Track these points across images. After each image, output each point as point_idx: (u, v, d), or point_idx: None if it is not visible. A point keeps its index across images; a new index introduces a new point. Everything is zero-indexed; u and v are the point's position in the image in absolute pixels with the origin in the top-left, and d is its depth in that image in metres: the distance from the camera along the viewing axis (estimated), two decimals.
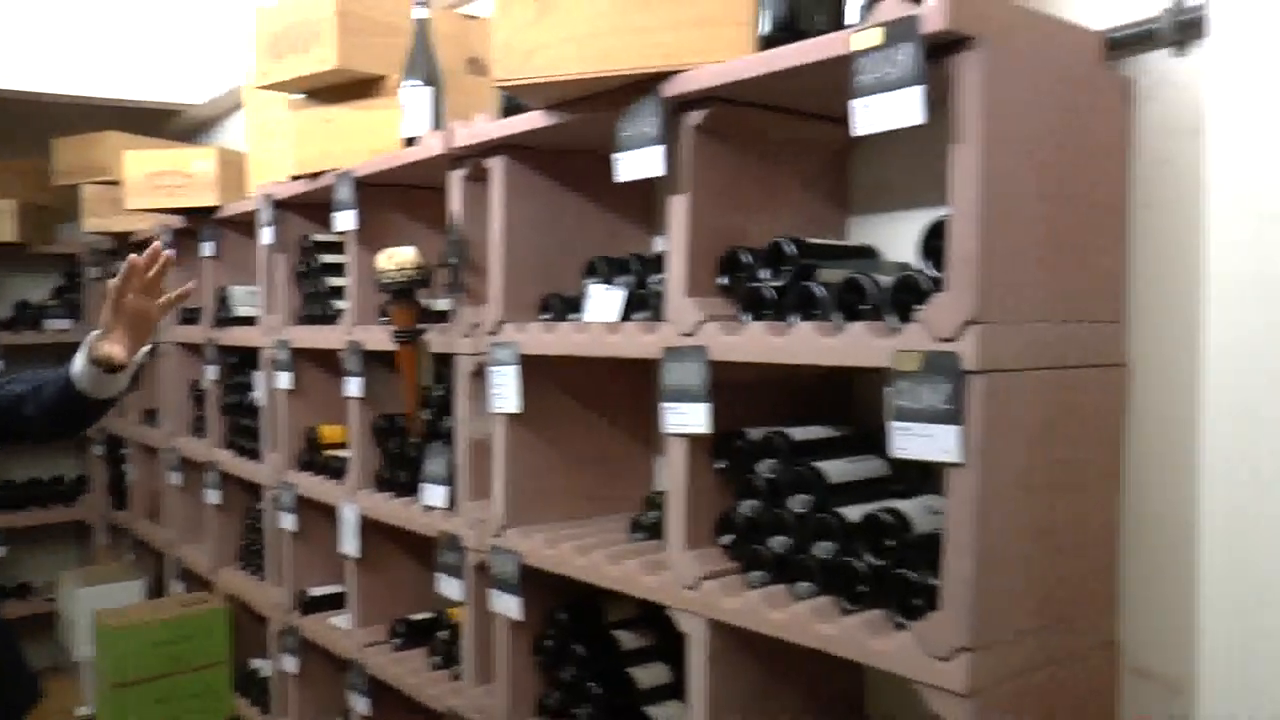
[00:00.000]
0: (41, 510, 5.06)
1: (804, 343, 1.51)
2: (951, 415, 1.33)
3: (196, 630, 3.50)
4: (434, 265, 2.20)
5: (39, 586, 5.11)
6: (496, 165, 2.09)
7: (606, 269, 2.01)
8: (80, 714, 4.23)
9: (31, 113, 4.83)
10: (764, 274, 1.67)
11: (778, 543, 1.65)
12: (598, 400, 2.21)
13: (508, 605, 2.09)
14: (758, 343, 1.58)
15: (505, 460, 2.10)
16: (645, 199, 2.28)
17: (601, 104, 1.76)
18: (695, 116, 1.67)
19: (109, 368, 1.94)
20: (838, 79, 1.40)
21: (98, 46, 4.37)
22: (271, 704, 3.23)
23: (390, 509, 2.50)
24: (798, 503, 1.63)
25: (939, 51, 1.33)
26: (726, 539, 1.72)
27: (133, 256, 1.94)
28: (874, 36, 1.34)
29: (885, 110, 1.34)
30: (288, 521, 3.00)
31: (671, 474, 1.74)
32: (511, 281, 2.10)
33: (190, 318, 3.85)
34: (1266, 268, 1.29)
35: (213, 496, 3.60)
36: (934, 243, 1.41)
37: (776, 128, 1.78)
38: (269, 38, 2.61)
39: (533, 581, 2.07)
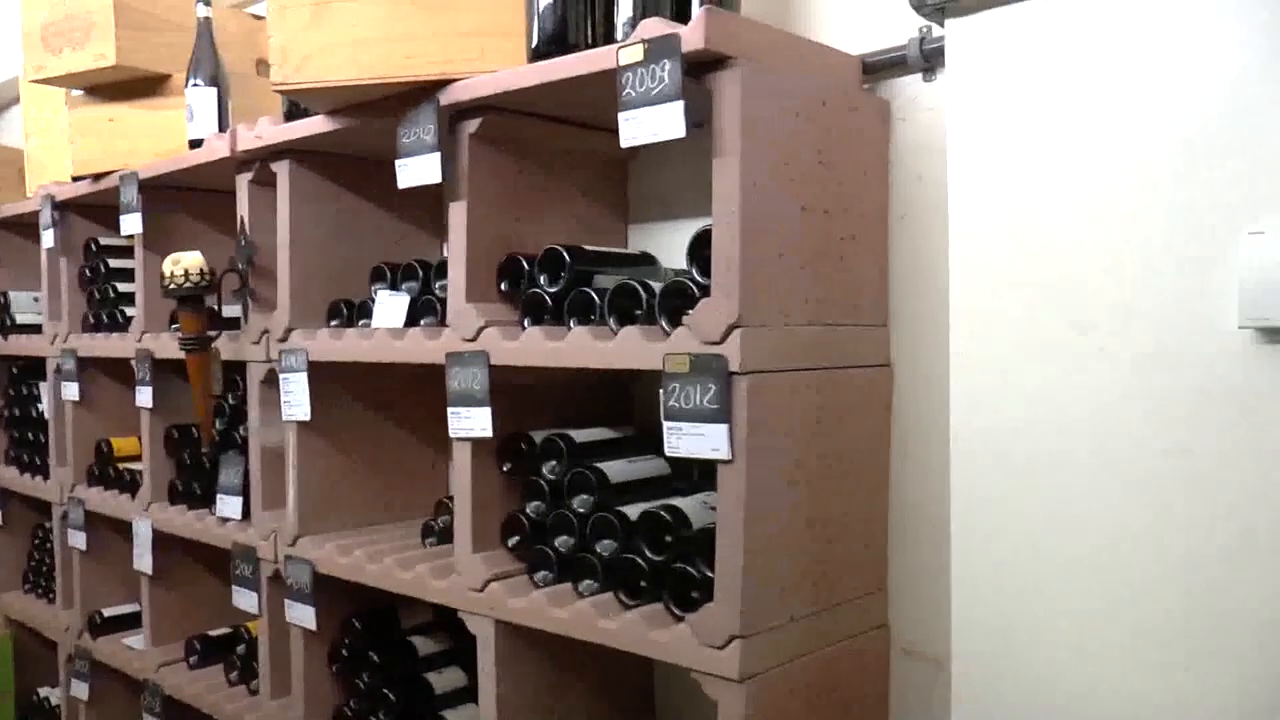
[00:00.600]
0: None
1: (580, 347, 1.55)
2: (719, 414, 1.39)
3: None
4: (222, 270, 2.15)
5: None
6: (282, 169, 2.06)
7: (392, 275, 2.01)
8: None
9: None
10: (543, 280, 1.70)
11: (562, 542, 1.69)
12: (390, 406, 2.21)
13: (302, 615, 2.06)
14: (536, 347, 1.61)
15: (298, 469, 2.08)
16: (434, 206, 2.29)
17: (382, 110, 1.76)
18: (471, 125, 1.69)
19: None
20: (608, 92, 1.44)
21: None
22: None
23: (185, 522, 2.43)
24: (580, 503, 1.67)
25: (700, 69, 1.39)
26: (513, 540, 1.75)
27: None
28: (636, 53, 1.39)
29: (649, 123, 1.39)
30: (77, 539, 2.87)
31: (458, 478, 1.76)
32: (300, 287, 2.08)
33: None
34: (995, 273, 1.39)
35: None
36: (701, 250, 1.47)
37: (554, 138, 1.82)
38: (40, 28, 2.49)
39: (328, 590, 2.05)
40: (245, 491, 2.25)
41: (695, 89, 1.38)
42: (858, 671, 1.65)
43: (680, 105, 1.35)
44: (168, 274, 2.10)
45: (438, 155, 1.69)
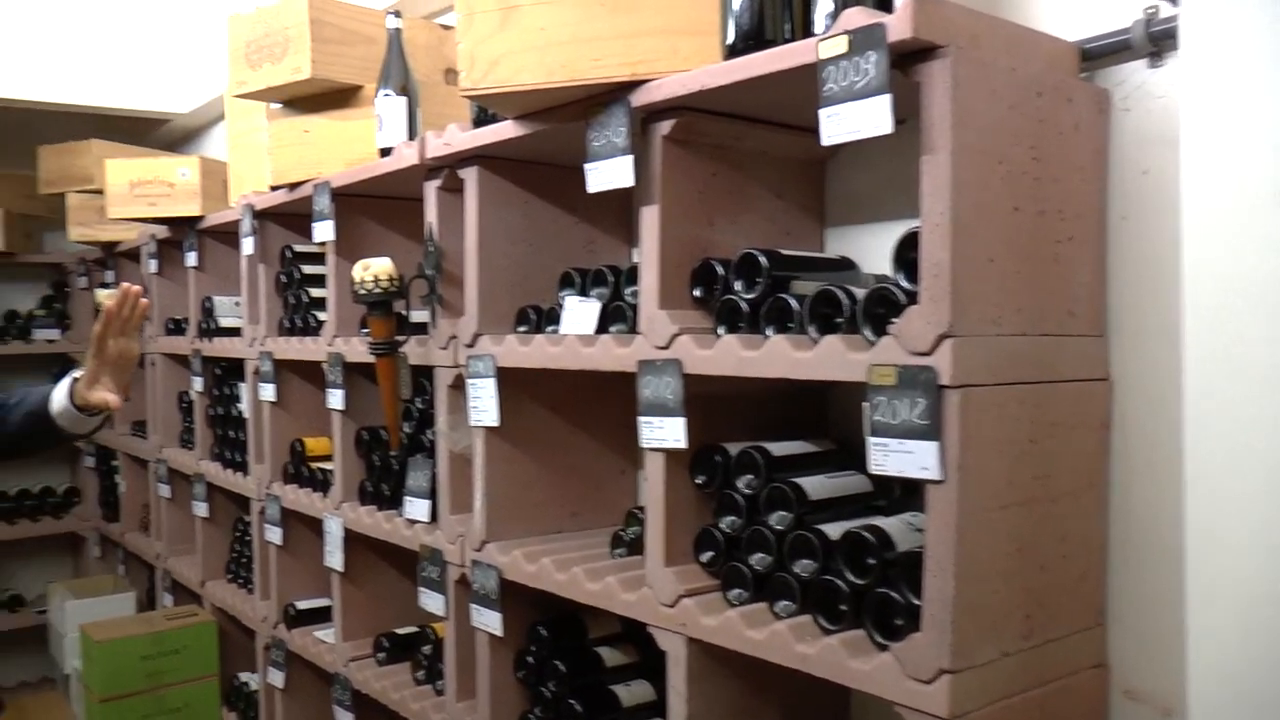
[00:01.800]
0: (31, 523, 5.03)
1: (777, 356, 1.48)
2: (929, 431, 1.30)
3: (184, 644, 3.48)
4: (411, 276, 2.17)
5: (31, 599, 5.09)
6: (470, 176, 2.06)
7: (581, 281, 1.99)
8: None
9: (19, 121, 4.81)
10: (738, 286, 1.64)
11: (758, 560, 1.62)
12: (579, 413, 2.18)
13: (488, 620, 2.06)
14: (731, 356, 1.55)
15: (485, 474, 2.07)
16: (623, 209, 2.26)
17: (570, 114, 1.74)
18: (664, 126, 1.64)
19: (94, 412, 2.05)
20: (807, 89, 1.37)
21: (84, 54, 4.35)
22: (259, 718, 3.21)
23: (374, 522, 2.47)
24: (777, 519, 1.60)
25: (907, 60, 1.30)
26: (706, 555, 1.70)
27: (108, 306, 2.00)
28: (839, 45, 1.31)
29: (852, 119, 1.31)
30: (274, 535, 2.97)
31: (650, 489, 1.71)
32: (487, 293, 2.07)
33: (177, 328, 3.83)
34: (1234, 279, 1.26)
35: (200, 509, 3.57)
36: (907, 254, 1.38)
37: (749, 138, 1.75)
38: (243, 46, 2.58)
39: (514, 596, 2.05)
40: (433, 495, 2.27)
41: (900, 81, 1.30)
42: (1075, 713, 1.52)
43: (888, 99, 1.27)
44: (358, 280, 2.14)
45: (629, 158, 1.65)
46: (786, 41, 1.45)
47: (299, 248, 2.91)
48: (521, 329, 2.07)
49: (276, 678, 3.02)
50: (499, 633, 2.04)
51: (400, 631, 2.62)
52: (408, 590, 2.72)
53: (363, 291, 2.12)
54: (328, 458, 2.82)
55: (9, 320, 5.06)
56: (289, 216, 2.95)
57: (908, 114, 1.34)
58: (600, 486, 2.25)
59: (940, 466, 1.29)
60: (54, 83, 4.32)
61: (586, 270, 1.99)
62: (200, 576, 3.65)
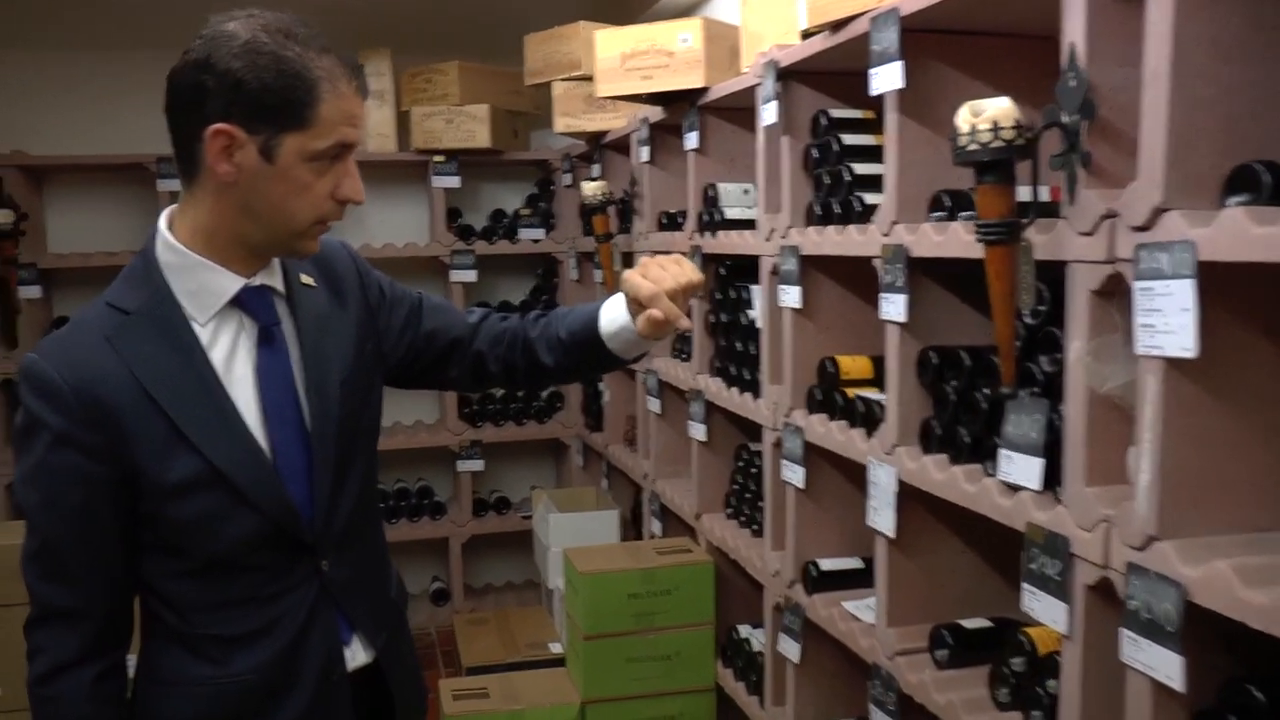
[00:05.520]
0: (517, 427, 4.93)
1: None
2: None
3: (677, 584, 3.03)
4: (1041, 125, 1.44)
5: (516, 503, 5.02)
6: None
7: None
8: (553, 651, 4.02)
9: (504, 11, 4.59)
10: None
11: None
12: None
13: (1159, 663, 1.32)
14: None
15: (1161, 431, 1.32)
16: None
17: None
18: None
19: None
20: None
21: None
22: (764, 687, 2.69)
23: (946, 479, 1.79)
24: None
25: None
26: None
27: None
28: None
29: None
30: (793, 474, 2.40)
31: None
32: (1180, 144, 1.29)
33: (671, 223, 3.36)
34: None
35: (697, 431, 3.09)
36: None
37: None
38: None
39: (1198, 626, 1.29)
40: (1048, 451, 1.55)
41: None
42: None
43: None
44: (965, 129, 1.43)
45: None
46: None
47: (836, 113, 2.26)
48: (1235, 200, 1.28)
49: (790, 649, 2.47)
50: (1177, 685, 1.30)
51: (968, 625, 1.94)
52: (976, 568, 2.06)
53: (974, 146, 1.42)
54: (870, 383, 2.18)
55: (496, 220, 4.93)
56: (822, 75, 2.30)
57: None
58: None
59: None
60: None
61: None
62: (695, 508, 3.18)
